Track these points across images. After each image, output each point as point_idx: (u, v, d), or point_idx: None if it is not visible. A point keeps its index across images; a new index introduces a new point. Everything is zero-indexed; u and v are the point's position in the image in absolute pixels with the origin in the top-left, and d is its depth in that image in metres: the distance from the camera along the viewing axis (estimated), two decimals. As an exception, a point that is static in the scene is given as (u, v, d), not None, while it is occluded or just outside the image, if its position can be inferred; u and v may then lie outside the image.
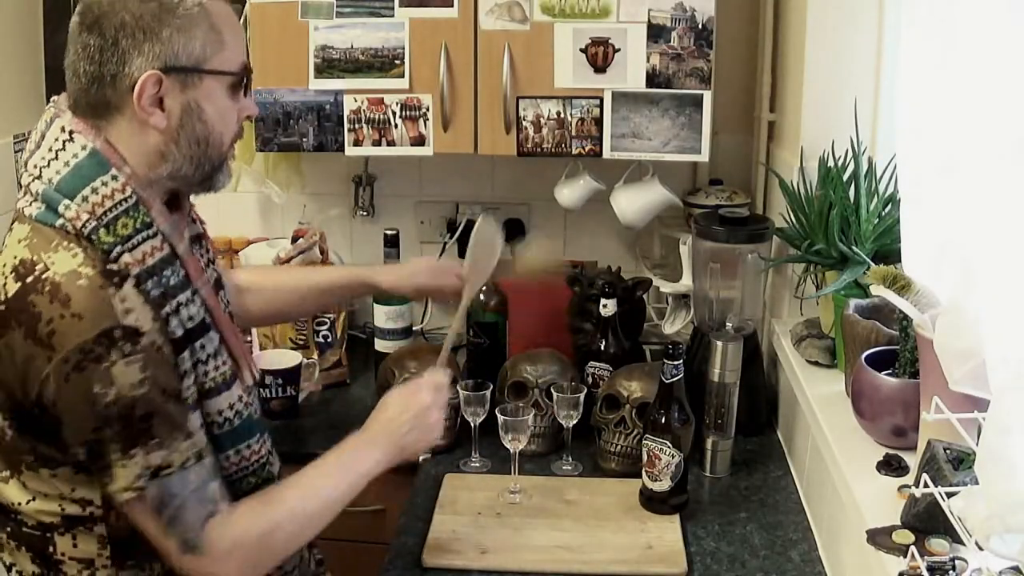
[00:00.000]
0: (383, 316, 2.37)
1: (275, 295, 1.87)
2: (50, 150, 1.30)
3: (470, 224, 2.54)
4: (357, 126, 2.20)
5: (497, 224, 1.90)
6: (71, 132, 1.30)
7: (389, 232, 2.41)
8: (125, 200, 1.30)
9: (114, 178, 1.30)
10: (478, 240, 1.88)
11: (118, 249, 1.28)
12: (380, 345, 2.38)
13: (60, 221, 1.28)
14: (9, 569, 1.40)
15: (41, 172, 1.30)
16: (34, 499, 1.34)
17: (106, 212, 1.28)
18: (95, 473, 1.29)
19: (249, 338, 2.33)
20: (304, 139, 2.22)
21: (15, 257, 1.27)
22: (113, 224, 1.28)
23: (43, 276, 1.24)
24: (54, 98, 1.37)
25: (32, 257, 1.26)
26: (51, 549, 1.35)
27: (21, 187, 1.34)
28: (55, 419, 1.25)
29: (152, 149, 1.33)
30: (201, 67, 1.31)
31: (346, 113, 2.19)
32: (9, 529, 1.37)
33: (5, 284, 1.26)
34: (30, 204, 1.30)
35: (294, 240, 2.46)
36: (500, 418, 1.85)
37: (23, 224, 1.31)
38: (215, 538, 1.32)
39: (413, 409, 1.55)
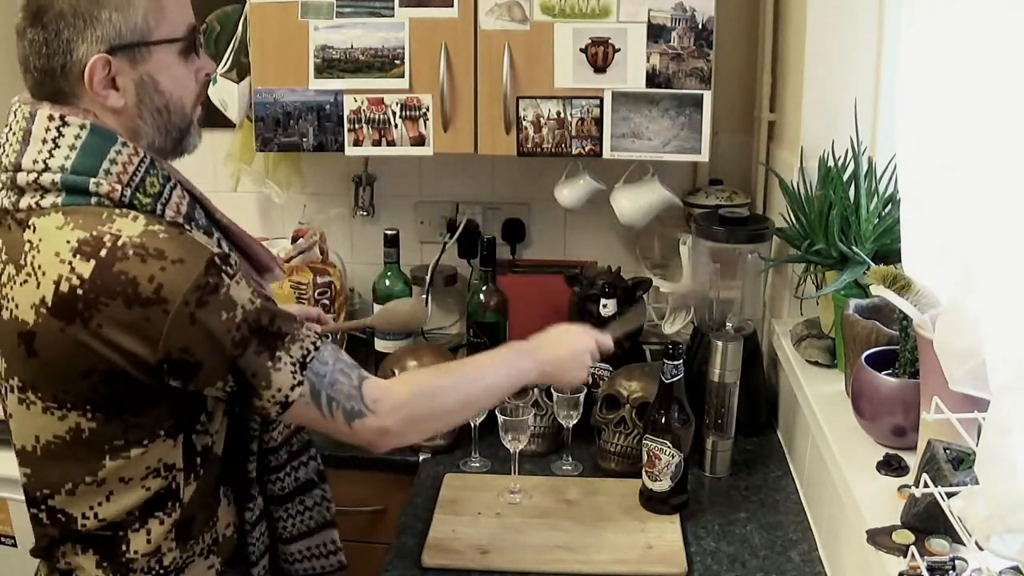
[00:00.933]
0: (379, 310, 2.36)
1: None
2: (44, 141, 1.30)
3: (470, 224, 2.56)
4: (357, 126, 2.20)
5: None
6: (61, 117, 1.30)
7: (389, 232, 2.41)
8: (143, 161, 1.32)
9: (124, 144, 1.31)
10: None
11: (159, 206, 1.31)
12: (380, 345, 2.38)
13: (95, 199, 1.28)
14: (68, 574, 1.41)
15: (46, 164, 1.29)
16: (108, 498, 1.34)
17: (132, 177, 1.30)
18: (246, 397, 1.31)
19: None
20: (304, 139, 2.22)
21: (68, 242, 1.25)
22: (143, 185, 1.31)
23: (119, 244, 1.24)
24: (15, 98, 1.37)
25: (91, 234, 1.25)
26: (124, 548, 1.37)
27: (13, 186, 1.31)
28: (192, 366, 1.27)
29: (123, 127, 1.34)
30: (147, 39, 1.32)
31: (346, 113, 2.19)
32: (70, 544, 1.39)
33: (74, 268, 1.24)
34: (42, 197, 1.29)
35: (294, 240, 2.46)
36: (500, 418, 1.85)
37: (47, 215, 1.28)
38: (377, 396, 1.39)
39: (578, 346, 1.66)
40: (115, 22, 1.29)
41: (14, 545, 2.17)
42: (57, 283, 1.24)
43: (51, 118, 1.30)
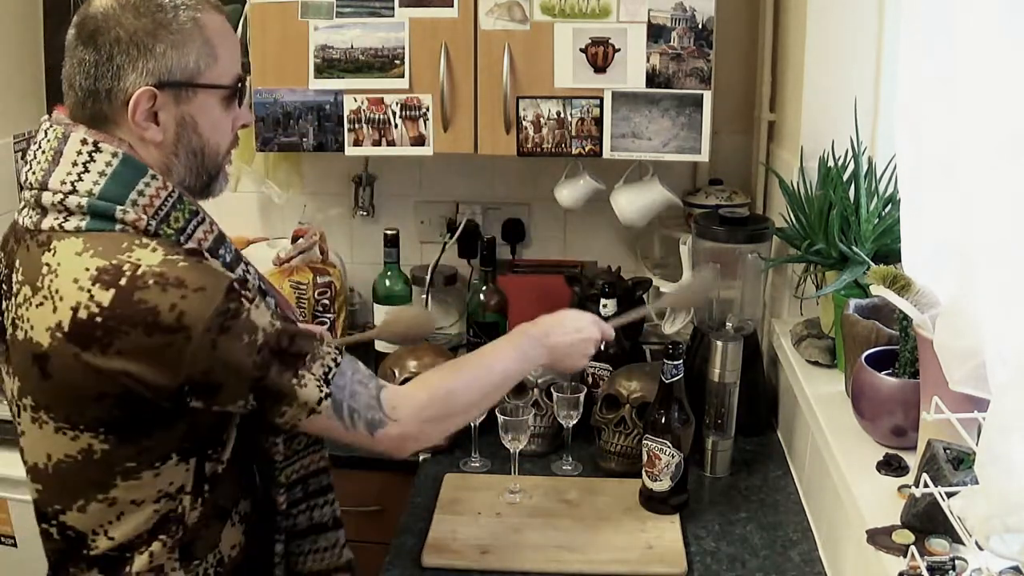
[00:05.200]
0: (383, 316, 2.37)
1: None
2: (74, 164, 1.29)
3: (470, 224, 2.56)
4: (357, 126, 2.20)
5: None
6: (95, 143, 1.30)
7: (389, 232, 2.41)
8: (170, 195, 1.33)
9: (154, 177, 1.32)
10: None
11: (182, 239, 1.32)
12: (380, 345, 2.38)
13: (119, 226, 1.28)
14: None
15: (74, 187, 1.28)
16: (119, 518, 1.34)
17: (158, 210, 1.31)
18: (268, 413, 1.33)
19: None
20: (304, 139, 2.22)
21: (87, 269, 1.25)
22: (168, 219, 1.32)
23: (139, 272, 1.24)
24: (46, 117, 1.37)
25: (110, 262, 1.25)
26: (128, 568, 1.36)
27: (36, 205, 1.31)
28: (214, 388, 1.28)
29: (155, 161, 1.34)
30: (195, 81, 1.33)
31: (346, 113, 2.19)
32: (77, 564, 1.38)
33: (93, 296, 1.24)
34: (66, 219, 1.29)
35: (294, 240, 2.46)
36: (500, 418, 1.85)
37: (68, 239, 1.28)
38: (396, 403, 1.41)
39: (584, 334, 1.68)
40: (168, 58, 1.30)
41: (14, 545, 2.17)
42: (75, 309, 1.24)
43: (84, 142, 1.30)
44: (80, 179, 1.29)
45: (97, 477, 1.33)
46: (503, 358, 1.58)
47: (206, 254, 1.32)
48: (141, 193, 1.30)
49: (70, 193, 1.28)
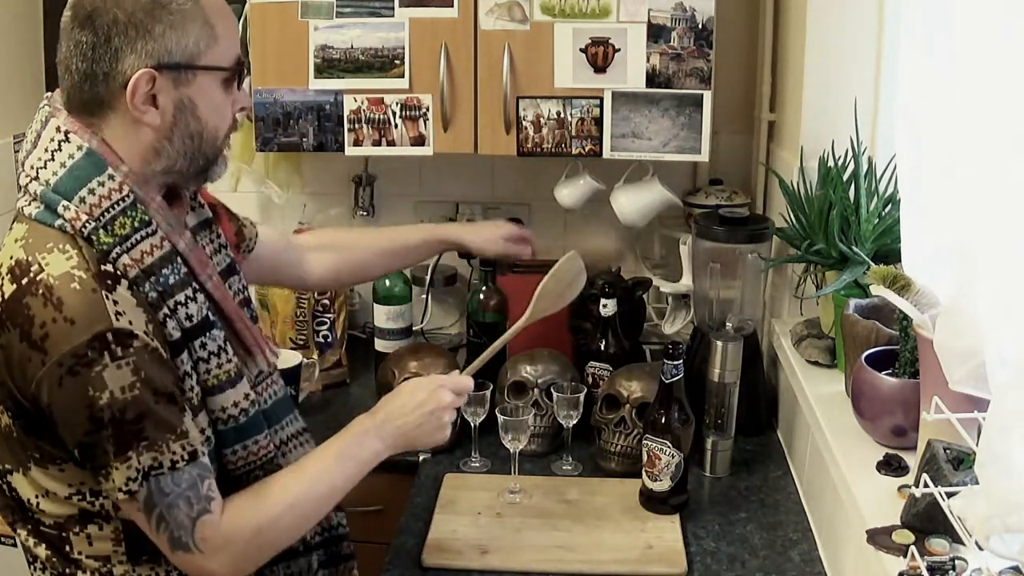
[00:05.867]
0: (383, 316, 2.37)
1: (349, 254, 1.94)
2: (46, 151, 1.30)
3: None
4: (357, 126, 2.20)
5: (581, 266, 1.80)
6: (66, 132, 1.30)
7: (389, 232, 2.41)
8: (123, 199, 1.30)
9: (111, 177, 1.29)
10: (560, 275, 1.77)
11: (116, 250, 1.28)
12: (380, 345, 2.38)
13: (59, 222, 1.28)
14: (34, 560, 1.40)
15: (38, 173, 1.30)
16: (45, 495, 1.34)
17: (103, 212, 1.28)
18: (91, 472, 1.29)
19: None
20: (304, 139, 2.22)
21: (11, 257, 1.27)
22: (111, 224, 1.28)
23: (37, 278, 1.24)
24: (48, 95, 1.37)
25: (27, 258, 1.26)
26: (68, 548, 1.36)
27: (20, 186, 1.34)
28: (51, 420, 1.26)
29: (147, 146, 1.33)
30: (195, 63, 1.31)
31: (346, 113, 2.19)
32: (29, 527, 1.38)
33: (2, 285, 1.26)
34: (28, 204, 1.31)
35: (294, 240, 2.46)
36: (500, 418, 1.85)
37: (21, 224, 1.31)
38: (207, 536, 1.31)
39: (429, 405, 1.52)
40: (167, 39, 1.28)
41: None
42: None
43: (58, 130, 1.31)
44: (45, 166, 1.30)
45: (17, 455, 1.33)
46: (331, 472, 1.43)
47: (123, 281, 1.27)
48: (92, 192, 1.28)
49: (34, 178, 1.30)
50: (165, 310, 1.31)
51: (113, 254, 1.27)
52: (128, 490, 1.26)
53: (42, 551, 1.38)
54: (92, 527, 1.35)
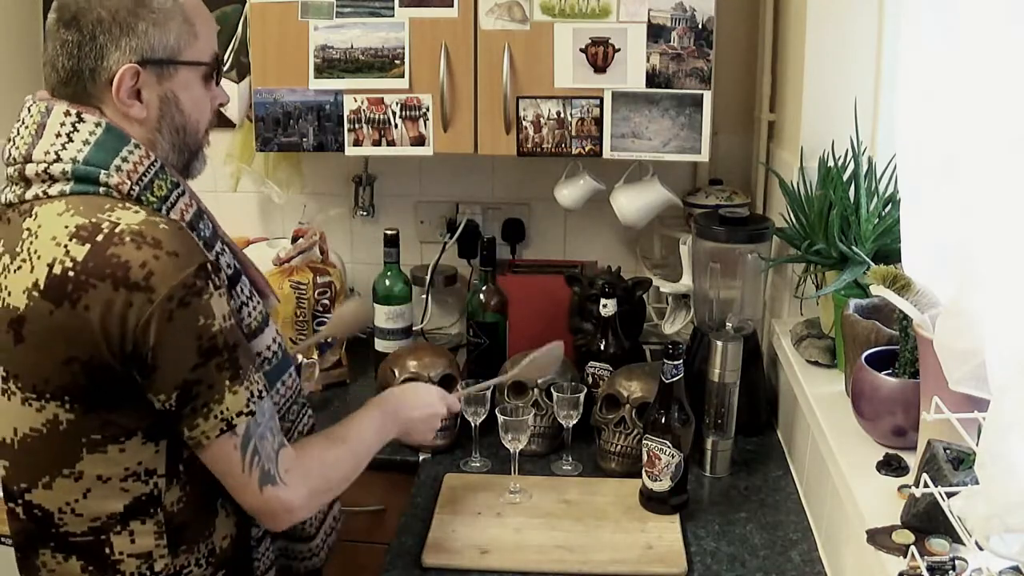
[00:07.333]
0: (383, 316, 2.37)
1: None
2: (58, 135, 1.32)
3: (470, 224, 2.56)
4: (357, 126, 2.20)
5: (560, 355, 1.92)
6: (77, 113, 1.33)
7: (389, 232, 2.40)
8: (152, 164, 1.34)
9: (136, 146, 1.34)
10: (552, 353, 1.90)
11: (164, 207, 1.33)
12: (380, 345, 2.38)
13: (103, 189, 1.30)
14: None
15: (58, 155, 1.31)
16: (89, 492, 1.34)
17: (141, 177, 1.32)
18: (183, 419, 1.29)
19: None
20: (304, 139, 2.22)
21: (66, 227, 1.27)
22: (151, 187, 1.33)
23: (117, 230, 1.25)
24: (30, 96, 1.38)
25: (91, 220, 1.27)
26: (107, 551, 1.36)
27: (20, 179, 1.33)
28: (150, 367, 1.26)
29: (140, 138, 1.36)
30: (176, 59, 1.36)
31: (346, 113, 2.19)
32: (52, 544, 1.37)
33: (69, 251, 1.25)
34: (50, 186, 1.31)
35: (294, 240, 2.46)
36: (500, 418, 1.85)
37: (51, 203, 1.30)
38: (289, 467, 1.38)
39: (432, 408, 1.70)
40: (150, 35, 1.33)
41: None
42: (51, 265, 1.25)
43: (67, 113, 1.33)
44: (64, 148, 1.31)
45: (62, 450, 1.33)
46: (369, 435, 1.57)
47: (186, 227, 1.33)
48: (125, 160, 1.32)
49: (54, 161, 1.31)
50: (216, 252, 1.37)
51: (163, 210, 1.32)
52: (247, 412, 1.31)
53: (72, 565, 1.37)
54: (135, 523, 1.35)
